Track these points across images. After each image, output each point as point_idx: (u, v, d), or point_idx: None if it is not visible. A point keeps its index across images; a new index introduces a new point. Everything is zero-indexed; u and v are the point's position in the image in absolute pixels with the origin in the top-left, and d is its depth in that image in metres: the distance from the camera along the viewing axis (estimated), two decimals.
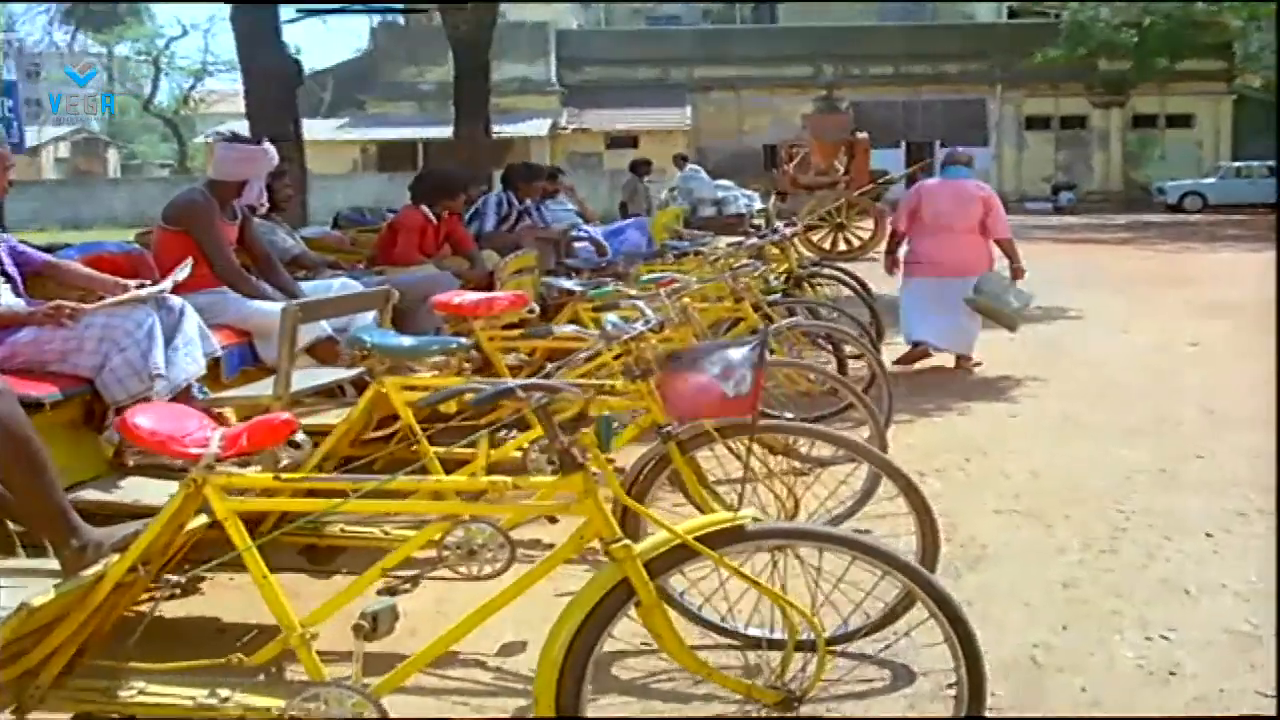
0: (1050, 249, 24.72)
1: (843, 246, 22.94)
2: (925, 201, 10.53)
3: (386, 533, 4.83)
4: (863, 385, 8.37)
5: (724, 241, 11.86)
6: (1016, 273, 10.44)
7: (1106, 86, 43.43)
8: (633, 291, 6.21)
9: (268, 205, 6.57)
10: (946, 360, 10.82)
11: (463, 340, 4.57)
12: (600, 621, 3.07)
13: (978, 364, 10.69)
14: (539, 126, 42.86)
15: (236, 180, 6.32)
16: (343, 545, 4.60)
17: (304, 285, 6.57)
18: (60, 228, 33.04)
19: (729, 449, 4.76)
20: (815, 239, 23.54)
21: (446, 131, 20.43)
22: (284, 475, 3.30)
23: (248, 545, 3.16)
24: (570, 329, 4.82)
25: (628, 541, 3.04)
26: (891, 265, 10.97)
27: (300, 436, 4.18)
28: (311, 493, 3.36)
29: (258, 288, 6.17)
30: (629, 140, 42.38)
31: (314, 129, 43.66)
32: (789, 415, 7.84)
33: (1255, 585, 5.18)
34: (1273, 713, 4.09)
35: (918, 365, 10.81)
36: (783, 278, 11.63)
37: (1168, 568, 5.48)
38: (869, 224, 22.93)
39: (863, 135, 26.49)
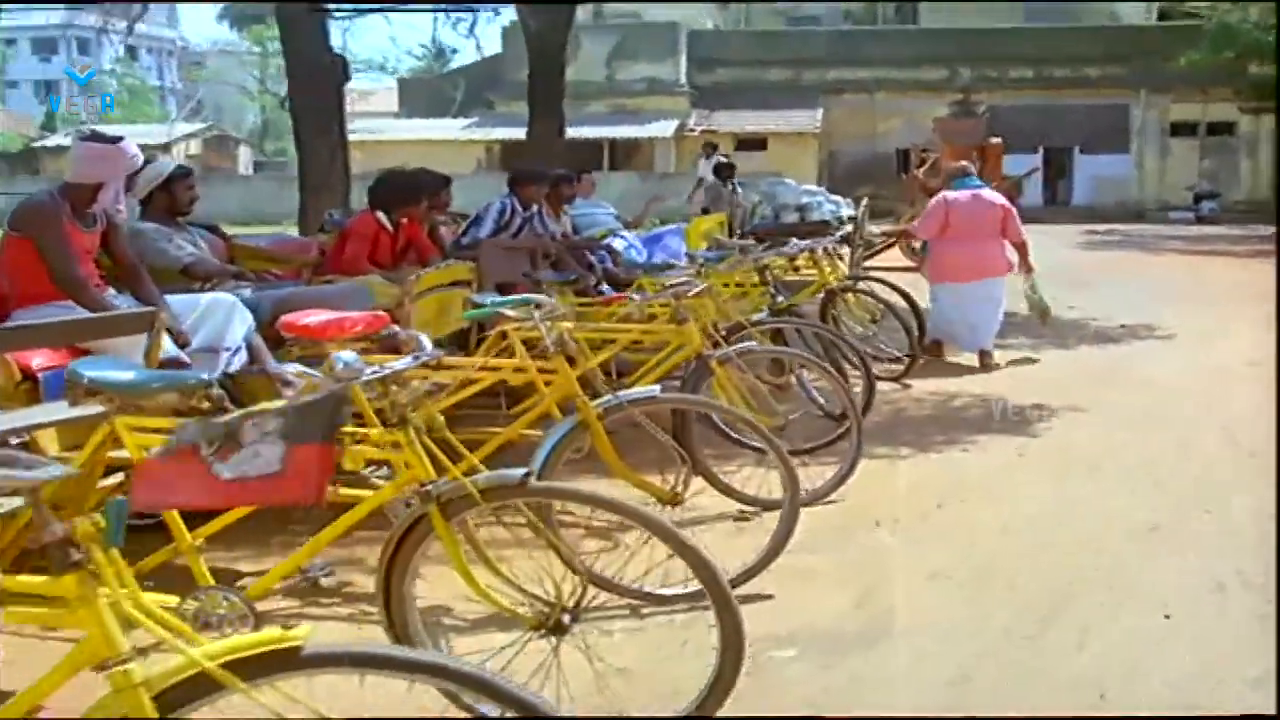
0: (1170, 261, 23.45)
1: None
2: (953, 211, 11.00)
3: None
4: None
5: (760, 249, 11.01)
6: (1026, 269, 11.47)
7: (1256, 91, 41.11)
8: (511, 313, 5.45)
9: (123, 211, 5.95)
10: (970, 359, 11.16)
11: (204, 376, 3.89)
12: None
13: (997, 365, 11.03)
14: (664, 128, 42.23)
15: (93, 182, 5.74)
16: None
17: (172, 300, 5.94)
18: None
19: (495, 517, 3.99)
20: (917, 247, 22.58)
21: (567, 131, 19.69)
22: None
23: None
24: (294, 368, 4.10)
25: (130, 667, 2.34)
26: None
27: None
28: None
29: (99, 301, 5.57)
30: (757, 142, 41.45)
31: (441, 128, 44.16)
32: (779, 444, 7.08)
33: (1186, 693, 4.25)
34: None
35: (949, 389, 10.07)
36: (818, 293, 10.86)
37: (1096, 660, 4.56)
38: None
39: (996, 140, 25.61)
